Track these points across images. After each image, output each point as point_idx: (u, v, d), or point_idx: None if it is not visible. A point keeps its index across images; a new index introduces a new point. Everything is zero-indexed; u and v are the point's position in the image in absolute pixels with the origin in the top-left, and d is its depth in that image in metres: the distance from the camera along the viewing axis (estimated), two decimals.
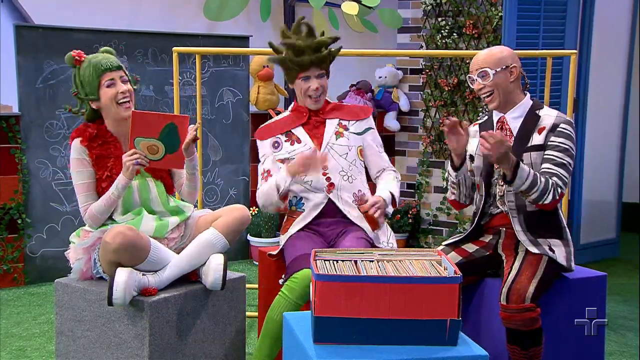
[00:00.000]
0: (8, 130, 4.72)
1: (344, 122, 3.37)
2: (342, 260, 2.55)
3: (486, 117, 3.18)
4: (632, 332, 4.13)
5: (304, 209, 3.28)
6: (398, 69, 6.11)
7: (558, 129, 2.96)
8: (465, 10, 5.63)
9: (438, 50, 5.73)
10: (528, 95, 3.08)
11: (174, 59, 3.95)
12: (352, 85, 5.88)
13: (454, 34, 5.67)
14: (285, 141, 3.33)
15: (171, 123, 2.87)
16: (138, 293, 2.79)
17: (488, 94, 3.02)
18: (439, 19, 5.77)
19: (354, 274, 2.42)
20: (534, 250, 2.91)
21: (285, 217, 3.37)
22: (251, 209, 5.54)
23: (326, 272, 2.41)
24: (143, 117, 2.86)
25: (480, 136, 2.86)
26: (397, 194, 3.37)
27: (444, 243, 3.18)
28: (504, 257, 3.00)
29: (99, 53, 3.06)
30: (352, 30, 5.88)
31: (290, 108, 3.44)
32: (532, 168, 2.93)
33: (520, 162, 2.86)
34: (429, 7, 5.82)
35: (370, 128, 3.42)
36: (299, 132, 3.34)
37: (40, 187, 4.85)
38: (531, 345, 2.79)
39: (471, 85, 3.07)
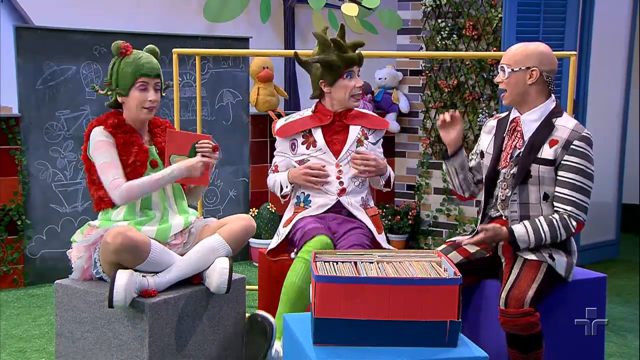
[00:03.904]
0: (8, 132, 4.72)
1: (366, 130, 3.42)
2: (342, 262, 2.55)
3: (506, 112, 3.11)
4: (632, 334, 4.13)
5: (310, 206, 3.35)
6: (398, 70, 6.12)
7: (572, 146, 2.85)
8: (465, 11, 5.64)
9: (438, 52, 5.73)
10: (552, 98, 2.96)
11: (173, 60, 3.95)
12: None
13: (454, 36, 5.68)
14: (302, 143, 3.39)
15: (197, 142, 3.01)
16: (138, 294, 2.80)
17: (503, 89, 2.98)
18: (439, 21, 5.77)
19: (354, 275, 2.42)
20: (532, 257, 2.87)
21: (291, 211, 3.42)
22: (251, 210, 5.54)
23: (326, 274, 2.41)
24: (177, 136, 3.03)
25: (472, 243, 2.92)
26: (392, 177, 3.52)
27: (447, 241, 3.17)
28: (503, 260, 2.99)
29: (145, 52, 3.08)
30: (351, 31, 5.88)
31: (312, 109, 3.46)
32: (539, 181, 2.89)
33: (512, 228, 2.86)
34: (429, 9, 5.83)
35: (381, 139, 3.52)
36: (318, 134, 3.38)
37: (40, 189, 4.84)
38: (531, 349, 2.77)
39: None
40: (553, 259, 2.89)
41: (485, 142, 3.11)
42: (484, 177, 3.09)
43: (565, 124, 2.91)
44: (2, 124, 4.70)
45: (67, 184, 4.90)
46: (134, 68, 2.97)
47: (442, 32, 5.73)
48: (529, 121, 2.95)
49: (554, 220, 2.86)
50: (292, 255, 3.26)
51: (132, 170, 2.94)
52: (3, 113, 4.75)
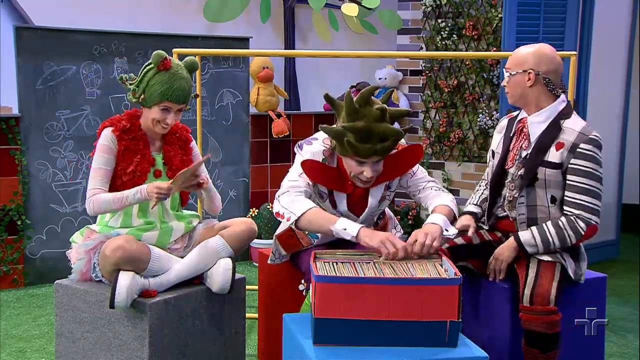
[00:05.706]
0: (8, 132, 4.72)
1: (389, 183, 2.97)
2: (342, 262, 2.55)
3: (517, 112, 3.08)
4: (632, 334, 4.13)
5: (314, 240, 3.06)
6: (398, 70, 6.12)
7: (578, 149, 2.81)
8: (465, 11, 5.64)
9: (438, 52, 5.73)
10: (561, 99, 2.91)
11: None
12: (352, 87, 5.88)
13: (454, 36, 5.68)
14: (327, 197, 2.95)
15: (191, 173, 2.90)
16: (139, 295, 2.80)
17: (507, 90, 2.98)
18: (439, 21, 5.77)
19: (354, 275, 2.42)
20: (546, 258, 2.85)
21: (291, 233, 3.09)
22: (251, 210, 5.54)
23: (326, 274, 2.41)
24: (184, 175, 2.86)
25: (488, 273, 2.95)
26: (453, 207, 2.88)
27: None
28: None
29: (183, 68, 2.96)
30: (352, 31, 5.89)
31: (337, 160, 2.90)
32: (546, 184, 2.87)
33: (518, 235, 2.88)
34: (429, 9, 5.83)
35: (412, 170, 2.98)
36: (340, 201, 2.94)
37: (40, 189, 4.84)
38: (551, 348, 2.77)
39: None
40: (565, 260, 2.88)
41: (496, 141, 3.10)
42: (491, 176, 3.06)
43: (573, 126, 2.86)
44: (2, 124, 4.70)
45: (67, 184, 4.90)
46: (164, 90, 2.89)
47: (442, 32, 5.73)
48: (535, 123, 2.92)
49: (561, 223, 2.84)
50: (300, 287, 3.02)
51: (129, 179, 2.92)
52: (3, 113, 4.75)
